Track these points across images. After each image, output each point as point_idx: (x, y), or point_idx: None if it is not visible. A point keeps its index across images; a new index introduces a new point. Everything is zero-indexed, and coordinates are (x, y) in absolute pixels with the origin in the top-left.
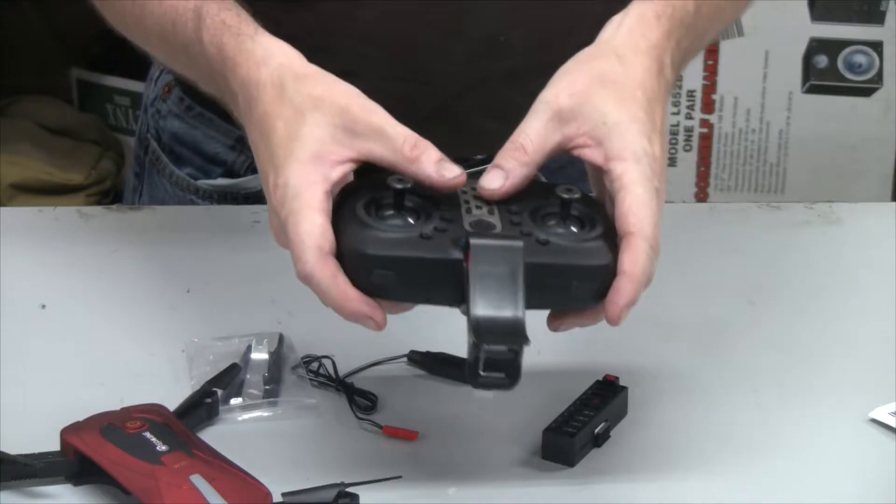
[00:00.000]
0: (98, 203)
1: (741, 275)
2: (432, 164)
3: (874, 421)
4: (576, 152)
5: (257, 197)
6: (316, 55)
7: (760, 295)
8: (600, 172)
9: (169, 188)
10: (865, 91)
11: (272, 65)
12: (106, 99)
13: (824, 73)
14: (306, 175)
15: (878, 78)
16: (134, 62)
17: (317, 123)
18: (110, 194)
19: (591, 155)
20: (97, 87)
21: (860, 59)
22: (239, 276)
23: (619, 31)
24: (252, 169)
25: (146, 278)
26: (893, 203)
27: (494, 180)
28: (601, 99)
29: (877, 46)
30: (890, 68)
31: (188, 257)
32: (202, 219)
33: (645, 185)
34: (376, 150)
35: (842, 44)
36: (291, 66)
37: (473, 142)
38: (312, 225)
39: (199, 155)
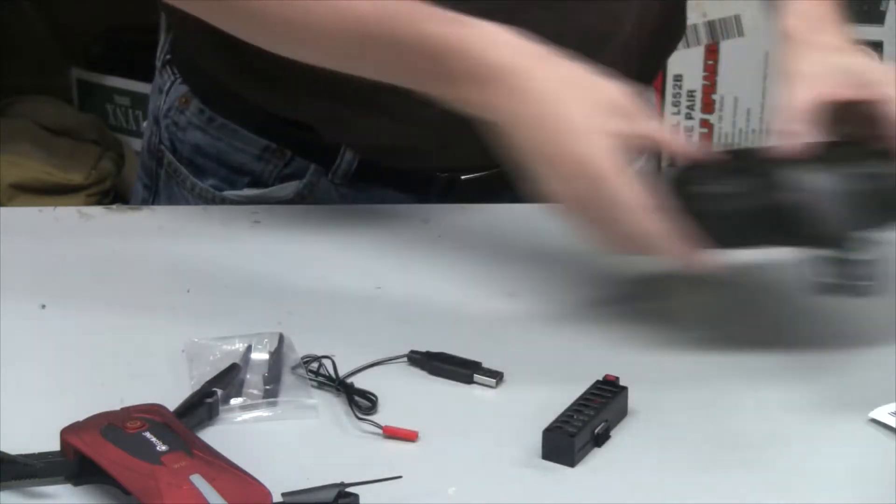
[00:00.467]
0: (98, 203)
1: (741, 274)
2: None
3: (874, 421)
4: (838, 96)
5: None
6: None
7: (760, 294)
8: (855, 111)
9: (192, 200)
10: None
11: (504, 46)
12: (106, 99)
13: None
14: (597, 144)
15: None
16: (134, 62)
17: (579, 99)
18: (110, 194)
19: (855, 93)
20: (97, 87)
21: None
22: (239, 276)
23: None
24: (281, 178)
25: (146, 278)
26: None
27: (788, 140)
28: (835, 57)
29: (877, 46)
30: None
31: (188, 257)
32: (202, 219)
33: None
34: (637, 129)
35: None
36: (524, 48)
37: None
38: (633, 185)
39: (224, 166)
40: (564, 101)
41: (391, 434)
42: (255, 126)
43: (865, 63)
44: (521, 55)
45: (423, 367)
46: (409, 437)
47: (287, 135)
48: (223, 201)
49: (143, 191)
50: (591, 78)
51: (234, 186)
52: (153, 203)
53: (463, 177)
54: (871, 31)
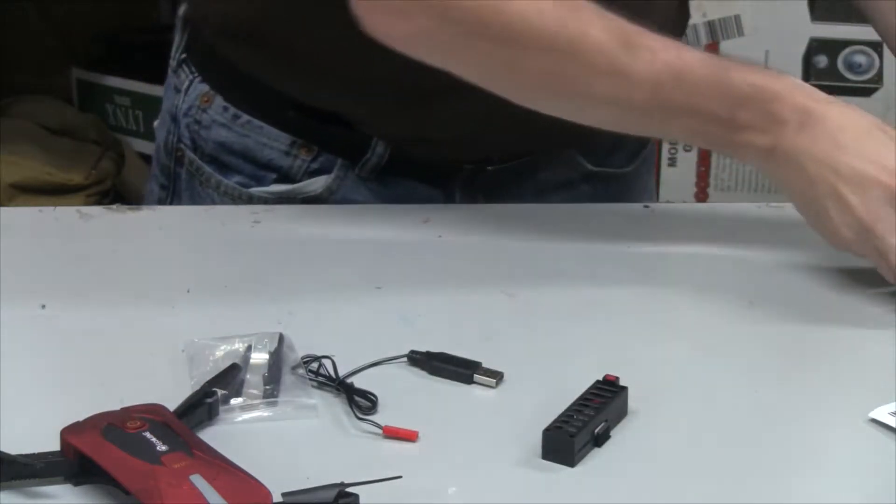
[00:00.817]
0: (98, 203)
1: (740, 275)
2: None
3: (874, 421)
4: None
5: (315, 200)
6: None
7: (760, 295)
8: None
9: (217, 198)
10: (865, 91)
11: (801, 92)
12: (106, 99)
13: (824, 73)
14: None
15: (878, 78)
16: (134, 62)
17: (884, 136)
18: (110, 194)
19: None
20: (97, 87)
21: (860, 59)
22: (239, 276)
23: None
24: (309, 173)
25: (146, 278)
26: None
27: None
28: None
29: (877, 46)
30: (890, 68)
31: (188, 257)
32: (202, 219)
33: None
34: None
35: (842, 44)
36: (814, 93)
37: (532, 140)
38: None
39: (251, 162)
40: (876, 139)
41: (391, 434)
42: (282, 121)
43: None
44: (819, 100)
45: (423, 367)
46: (409, 437)
47: (314, 129)
48: (251, 199)
49: (160, 191)
50: (875, 119)
51: (261, 183)
52: (172, 203)
53: (489, 167)
54: (872, 31)
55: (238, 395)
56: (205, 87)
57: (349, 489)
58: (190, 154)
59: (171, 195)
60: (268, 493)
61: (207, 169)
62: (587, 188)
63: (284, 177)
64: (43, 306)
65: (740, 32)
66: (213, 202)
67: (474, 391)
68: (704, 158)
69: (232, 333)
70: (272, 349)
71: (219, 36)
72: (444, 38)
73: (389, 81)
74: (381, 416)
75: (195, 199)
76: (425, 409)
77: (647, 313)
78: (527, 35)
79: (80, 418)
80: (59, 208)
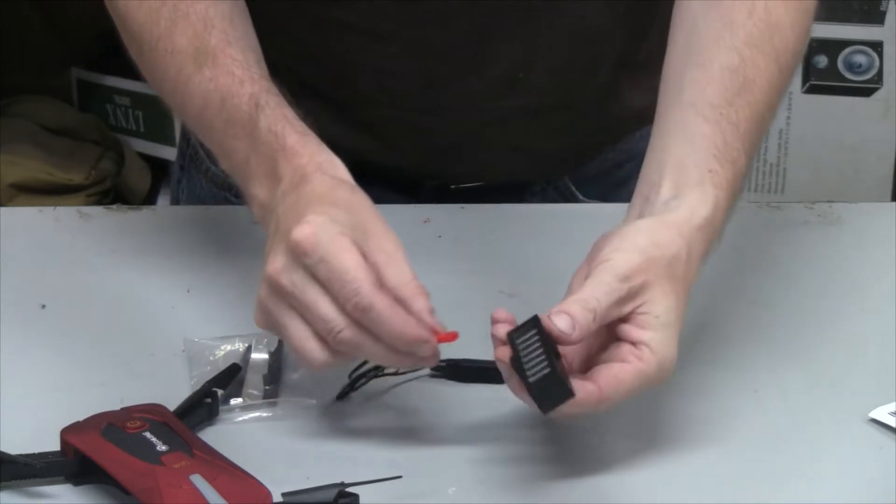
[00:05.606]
0: (98, 203)
1: (741, 275)
2: None
3: (874, 421)
4: (617, 318)
5: None
6: (341, 82)
7: (760, 295)
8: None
9: (204, 184)
10: (865, 91)
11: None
12: (106, 99)
13: (824, 73)
14: None
15: (878, 78)
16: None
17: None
18: (110, 194)
19: (630, 331)
20: (97, 87)
21: (860, 59)
22: (239, 276)
23: (682, 206)
24: None
25: (146, 278)
26: (893, 203)
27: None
28: (663, 292)
29: (877, 46)
30: (890, 68)
31: (188, 257)
32: (202, 219)
33: (642, 380)
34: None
35: (842, 44)
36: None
37: (489, 172)
38: None
39: None
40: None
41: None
42: None
43: (672, 325)
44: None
45: (449, 378)
46: (449, 338)
47: None
48: (230, 188)
49: (179, 170)
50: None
51: None
52: (181, 184)
53: (452, 186)
54: (871, 31)
55: (238, 395)
56: None
57: (349, 489)
58: (193, 137)
59: (184, 176)
60: (268, 493)
61: (202, 153)
62: None
63: None
64: (43, 306)
65: None
66: (202, 187)
67: (473, 391)
68: None
69: (232, 333)
70: (272, 349)
71: None
72: None
73: (336, 101)
74: (381, 416)
75: (191, 183)
76: (426, 410)
77: None
78: None
79: (80, 418)
80: (59, 208)
